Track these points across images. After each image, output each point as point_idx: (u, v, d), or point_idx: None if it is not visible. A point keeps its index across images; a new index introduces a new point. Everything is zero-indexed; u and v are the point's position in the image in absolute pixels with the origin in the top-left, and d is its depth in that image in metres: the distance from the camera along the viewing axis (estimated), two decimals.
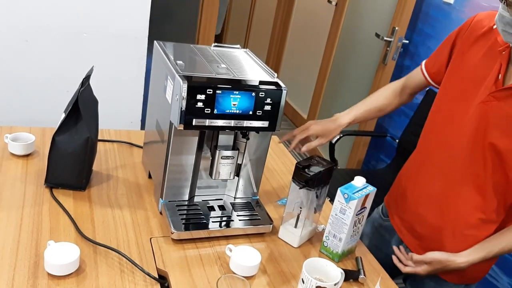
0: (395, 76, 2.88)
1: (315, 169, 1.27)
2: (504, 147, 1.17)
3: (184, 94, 1.15)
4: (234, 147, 1.33)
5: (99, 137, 1.50)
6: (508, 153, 1.17)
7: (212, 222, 1.31)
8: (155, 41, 1.42)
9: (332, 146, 2.60)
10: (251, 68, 1.34)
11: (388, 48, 2.78)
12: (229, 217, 1.35)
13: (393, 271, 1.35)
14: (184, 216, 1.30)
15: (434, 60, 1.42)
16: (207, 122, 1.20)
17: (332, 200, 1.32)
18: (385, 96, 1.54)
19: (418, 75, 1.47)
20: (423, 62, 1.46)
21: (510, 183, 1.20)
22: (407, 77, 1.52)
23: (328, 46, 3.62)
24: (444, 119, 1.32)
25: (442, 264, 1.29)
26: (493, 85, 1.19)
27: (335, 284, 1.11)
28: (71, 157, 1.34)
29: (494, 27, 1.21)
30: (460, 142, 1.26)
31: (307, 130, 1.50)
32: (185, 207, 1.34)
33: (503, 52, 1.18)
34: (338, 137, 2.60)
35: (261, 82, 1.25)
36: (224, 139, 1.30)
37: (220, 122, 1.21)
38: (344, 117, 1.51)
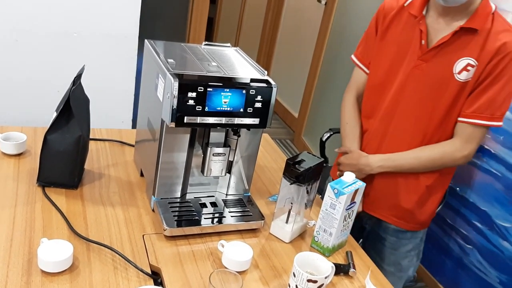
0: None
1: (306, 165, 1.29)
2: (443, 102, 1.37)
3: (175, 92, 1.16)
4: (226, 144, 1.34)
5: (91, 136, 1.50)
6: (447, 106, 1.38)
7: (204, 218, 1.33)
8: (145, 40, 1.43)
9: (322, 144, 2.62)
10: (242, 66, 1.36)
11: None
12: (221, 213, 1.37)
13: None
14: (176, 213, 1.31)
15: (366, 52, 1.57)
16: (199, 120, 1.21)
17: (322, 197, 1.34)
18: (357, 120, 1.60)
19: (362, 75, 1.59)
20: (356, 61, 1.60)
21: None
22: (356, 85, 1.61)
23: (318, 45, 3.64)
24: (377, 94, 1.50)
25: (354, 159, 1.51)
26: (419, 50, 1.38)
27: (325, 277, 1.13)
28: (63, 155, 1.35)
29: (405, 4, 1.43)
30: (399, 106, 1.44)
31: None
32: (177, 204, 1.35)
33: (420, 21, 1.38)
34: (328, 134, 2.62)
35: (252, 80, 1.26)
36: (216, 136, 1.32)
37: (211, 120, 1.23)
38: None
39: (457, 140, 1.42)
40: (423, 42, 1.37)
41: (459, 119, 1.40)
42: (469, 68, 1.34)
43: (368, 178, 1.53)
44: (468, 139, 1.41)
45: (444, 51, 1.36)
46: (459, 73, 1.35)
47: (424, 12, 1.40)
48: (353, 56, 1.63)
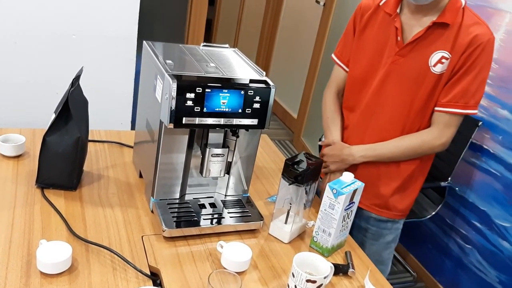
0: None
1: (304, 165, 1.29)
2: (421, 93, 1.44)
3: (174, 93, 1.16)
4: (224, 145, 1.34)
5: (90, 138, 1.50)
6: (425, 97, 1.44)
7: (203, 219, 1.33)
8: (144, 41, 1.43)
9: (321, 145, 2.62)
10: (240, 67, 1.36)
11: None
12: (220, 214, 1.37)
13: None
14: (175, 214, 1.31)
15: (345, 50, 1.63)
16: (197, 121, 1.22)
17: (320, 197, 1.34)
18: (338, 114, 1.67)
19: (341, 73, 1.66)
20: (336, 59, 1.67)
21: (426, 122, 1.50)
22: (336, 82, 1.68)
23: (317, 46, 3.64)
24: (358, 89, 1.56)
25: (338, 150, 1.57)
26: (396, 46, 1.45)
27: (324, 278, 1.13)
28: (62, 157, 1.35)
29: (380, 4, 1.50)
30: (379, 100, 1.50)
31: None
32: (176, 205, 1.35)
33: (395, 19, 1.45)
34: None
35: (250, 81, 1.26)
36: (214, 137, 1.32)
37: (210, 121, 1.23)
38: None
39: (434, 129, 1.48)
40: (399, 38, 1.45)
41: (436, 108, 1.46)
42: (443, 60, 1.40)
43: (351, 169, 1.56)
44: (445, 127, 1.47)
45: (419, 46, 1.43)
46: (434, 65, 1.41)
47: (398, 10, 1.47)
48: (332, 55, 1.69)
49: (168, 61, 1.24)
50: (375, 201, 1.60)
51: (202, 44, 1.47)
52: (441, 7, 1.40)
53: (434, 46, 1.41)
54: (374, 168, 1.56)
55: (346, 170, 1.53)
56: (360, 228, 1.66)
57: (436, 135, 1.48)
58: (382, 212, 1.61)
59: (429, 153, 1.54)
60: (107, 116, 2.10)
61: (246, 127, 1.29)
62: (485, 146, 2.25)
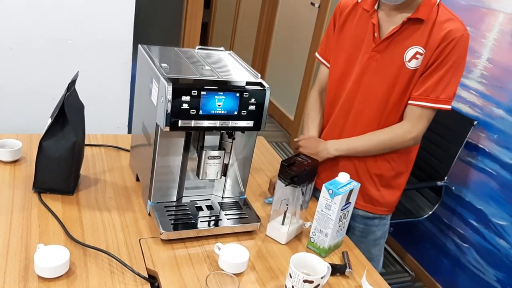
0: None
1: (300, 167, 1.30)
2: (396, 89, 1.46)
3: (169, 96, 1.17)
4: (221, 147, 1.35)
5: (86, 142, 1.51)
6: (400, 93, 1.46)
7: (201, 221, 1.33)
8: (139, 45, 1.44)
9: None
10: (235, 70, 1.36)
11: None
12: (217, 216, 1.37)
13: None
14: (173, 217, 1.32)
15: (327, 48, 1.66)
16: (193, 123, 1.22)
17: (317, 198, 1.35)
18: (318, 111, 1.70)
19: (325, 70, 1.69)
20: (319, 57, 1.69)
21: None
22: (320, 81, 1.71)
23: (312, 48, 3.65)
24: (338, 85, 1.58)
25: (314, 143, 1.59)
26: (373, 42, 1.48)
27: (321, 278, 1.14)
28: (59, 161, 1.35)
29: (359, 0, 1.54)
30: (357, 95, 1.52)
31: None
32: (174, 208, 1.35)
33: (372, 15, 1.48)
34: None
35: (245, 83, 1.27)
36: (210, 139, 1.32)
37: (205, 123, 1.23)
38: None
39: (406, 123, 1.50)
40: (375, 34, 1.47)
41: (409, 102, 1.48)
42: (418, 56, 1.42)
43: (332, 167, 1.59)
44: (416, 121, 1.48)
45: (395, 41, 1.45)
46: (409, 61, 1.43)
47: (376, 7, 1.49)
48: (316, 53, 1.72)
49: (164, 65, 1.25)
50: (360, 197, 1.61)
51: (197, 47, 1.48)
52: (417, 4, 1.43)
53: (409, 42, 1.43)
54: (352, 164, 1.58)
55: (327, 166, 1.57)
56: (347, 227, 1.66)
57: (408, 128, 1.49)
58: (368, 208, 1.63)
59: (400, 147, 1.54)
60: (103, 120, 2.11)
61: (242, 129, 1.30)
62: (480, 145, 2.26)
